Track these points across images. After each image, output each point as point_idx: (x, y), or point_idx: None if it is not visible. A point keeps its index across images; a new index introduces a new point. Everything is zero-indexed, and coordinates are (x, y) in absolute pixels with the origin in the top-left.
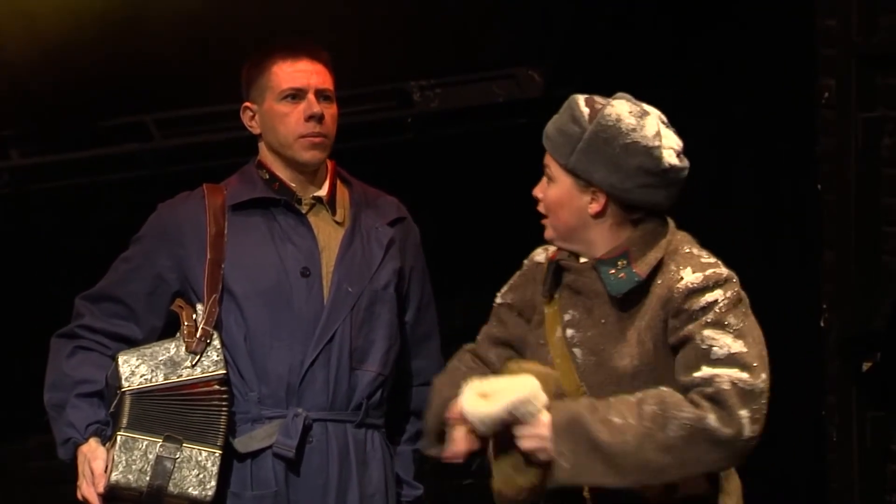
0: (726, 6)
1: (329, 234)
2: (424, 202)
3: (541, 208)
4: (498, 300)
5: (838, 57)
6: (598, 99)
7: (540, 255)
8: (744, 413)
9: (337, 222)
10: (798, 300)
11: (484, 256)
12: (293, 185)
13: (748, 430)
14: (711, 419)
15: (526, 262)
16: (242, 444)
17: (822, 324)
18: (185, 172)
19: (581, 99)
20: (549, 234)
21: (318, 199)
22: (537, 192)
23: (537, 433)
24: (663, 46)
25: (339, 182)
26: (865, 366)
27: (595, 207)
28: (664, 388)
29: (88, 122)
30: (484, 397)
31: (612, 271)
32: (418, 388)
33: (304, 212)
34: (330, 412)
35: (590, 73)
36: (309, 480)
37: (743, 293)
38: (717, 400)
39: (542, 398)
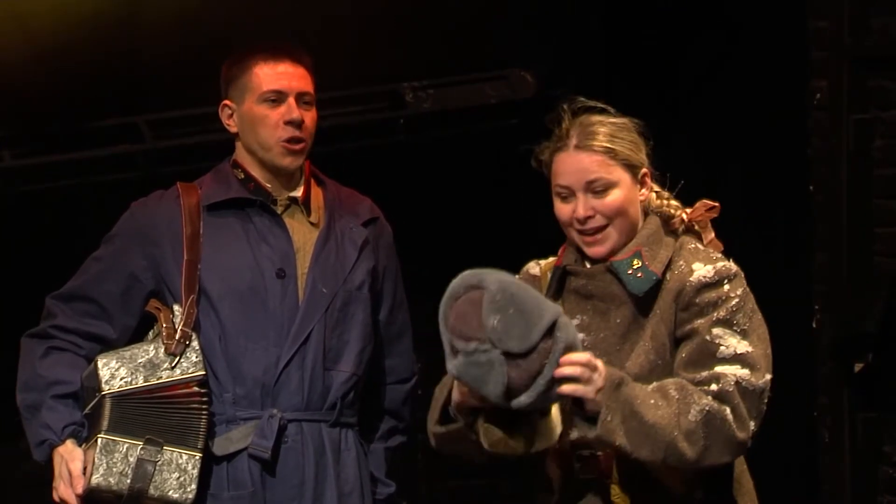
0: (719, 8)
1: (304, 235)
2: (416, 203)
3: (595, 223)
4: None
5: (830, 59)
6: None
7: (534, 268)
8: (751, 414)
9: (312, 223)
10: (790, 301)
11: (475, 257)
12: (268, 185)
13: (752, 430)
14: (728, 415)
15: (519, 276)
16: (219, 446)
17: (814, 325)
18: (176, 174)
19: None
20: (608, 246)
21: (294, 200)
22: (586, 211)
23: (595, 385)
24: (656, 48)
25: (313, 182)
26: (857, 367)
27: (645, 192)
28: (679, 379)
29: (80, 124)
30: None
31: (630, 271)
32: (391, 387)
33: (279, 212)
34: (305, 412)
35: (582, 74)
36: (285, 480)
37: (748, 289)
38: (725, 399)
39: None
